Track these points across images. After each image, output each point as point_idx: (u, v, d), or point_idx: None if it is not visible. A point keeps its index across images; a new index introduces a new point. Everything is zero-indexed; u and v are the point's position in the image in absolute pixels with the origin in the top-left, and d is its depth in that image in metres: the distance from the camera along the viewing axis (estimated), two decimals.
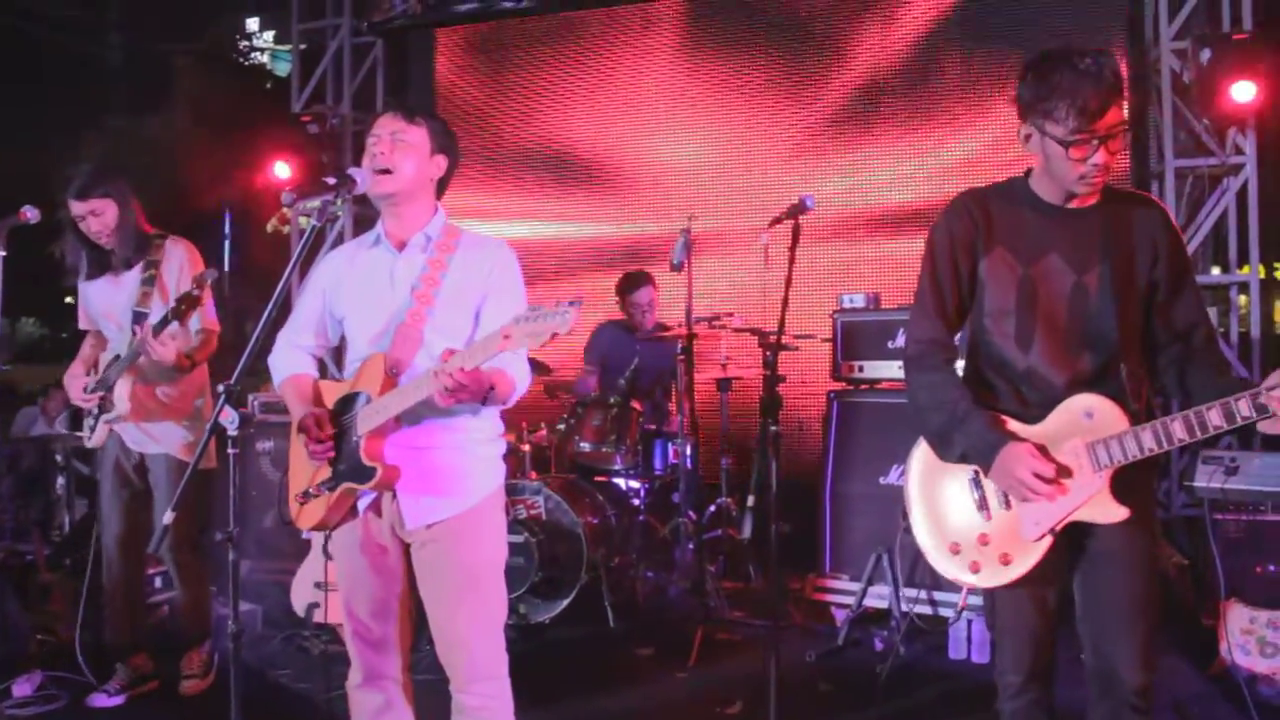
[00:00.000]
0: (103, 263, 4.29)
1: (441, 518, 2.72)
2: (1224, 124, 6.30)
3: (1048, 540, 2.49)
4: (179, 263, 4.29)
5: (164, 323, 3.95)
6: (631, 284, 6.21)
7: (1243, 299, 6.71)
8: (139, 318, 4.17)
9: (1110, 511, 2.44)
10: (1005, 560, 2.53)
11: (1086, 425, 2.46)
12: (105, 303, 4.31)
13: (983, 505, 2.58)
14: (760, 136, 7.19)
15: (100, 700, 4.22)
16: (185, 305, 3.90)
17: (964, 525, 2.60)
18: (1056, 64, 2.40)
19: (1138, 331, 2.55)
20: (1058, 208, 2.55)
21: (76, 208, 4.17)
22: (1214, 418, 2.32)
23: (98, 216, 4.18)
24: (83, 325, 4.46)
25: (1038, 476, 2.40)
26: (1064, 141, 2.41)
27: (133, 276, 4.26)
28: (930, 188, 6.68)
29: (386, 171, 2.72)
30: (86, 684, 4.32)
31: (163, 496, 4.25)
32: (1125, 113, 2.42)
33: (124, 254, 4.25)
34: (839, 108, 7.01)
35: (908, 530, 2.76)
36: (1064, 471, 2.45)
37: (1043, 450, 2.46)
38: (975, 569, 2.58)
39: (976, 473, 2.57)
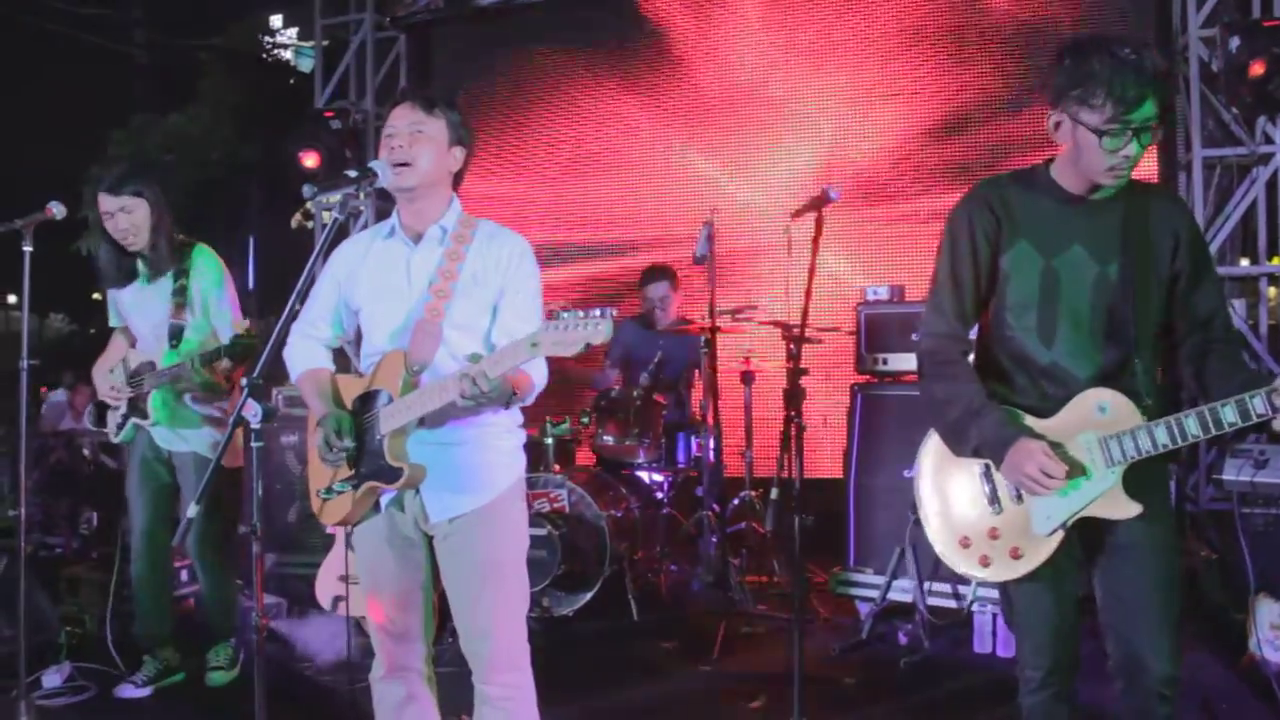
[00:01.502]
0: (130, 269, 4.26)
1: (464, 511, 2.72)
2: (1253, 113, 6.22)
3: (1059, 535, 2.48)
4: (209, 280, 4.26)
5: (216, 356, 3.95)
6: (647, 277, 6.24)
7: (1272, 290, 6.65)
8: (175, 330, 4.17)
9: (1123, 508, 2.43)
10: (1015, 554, 2.53)
11: (1100, 420, 2.45)
12: (138, 309, 4.31)
13: (994, 499, 2.57)
14: (784, 126, 7.15)
15: (128, 691, 4.26)
16: (242, 353, 3.86)
17: (974, 519, 2.60)
18: (1096, 51, 2.36)
19: (1156, 325, 2.53)
20: (1080, 198, 2.52)
21: (106, 203, 4.12)
22: (1229, 414, 2.29)
23: (128, 214, 4.12)
24: (113, 323, 4.49)
25: (1046, 474, 2.39)
26: (1098, 130, 2.37)
27: (163, 285, 4.24)
28: (956, 178, 6.62)
29: (405, 165, 2.71)
30: (115, 675, 4.37)
31: (190, 493, 4.28)
32: (1161, 108, 2.37)
33: (154, 260, 4.21)
34: (864, 97, 6.97)
35: (917, 523, 2.75)
36: (1075, 467, 2.44)
37: (1056, 446, 2.44)
38: (985, 563, 2.57)
39: (988, 466, 2.56)
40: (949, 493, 2.65)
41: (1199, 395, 2.51)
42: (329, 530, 4.81)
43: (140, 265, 4.25)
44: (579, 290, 7.50)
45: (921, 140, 6.81)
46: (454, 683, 2.99)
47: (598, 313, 2.27)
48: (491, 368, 2.42)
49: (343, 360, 3.09)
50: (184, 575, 5.17)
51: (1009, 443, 2.45)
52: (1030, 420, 2.52)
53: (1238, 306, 6.34)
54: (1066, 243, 2.51)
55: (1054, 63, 2.46)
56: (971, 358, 2.65)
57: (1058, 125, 2.47)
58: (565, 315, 2.30)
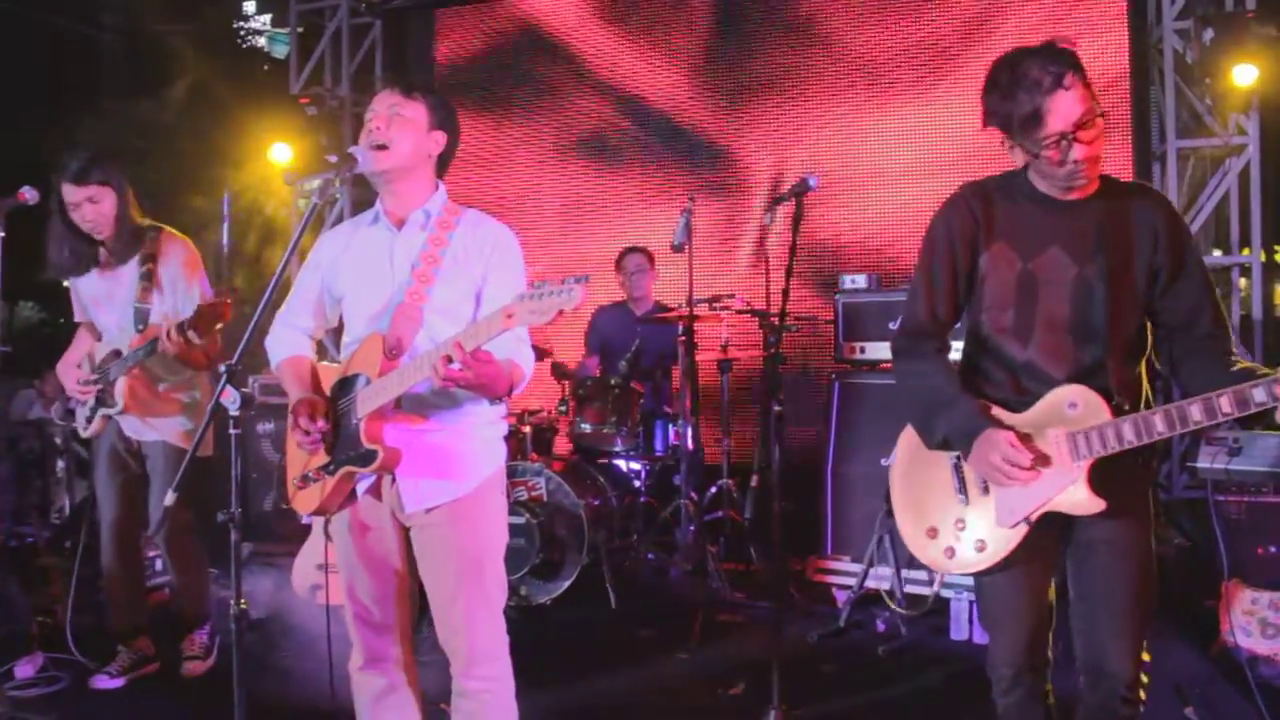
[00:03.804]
0: (89, 256, 4.15)
1: (441, 501, 2.69)
2: (1227, 104, 6.28)
3: (1022, 529, 2.47)
4: (178, 261, 4.17)
5: (181, 329, 3.84)
6: (624, 252, 6.29)
7: (1243, 282, 6.70)
8: (141, 314, 4.08)
9: (1086, 503, 2.42)
10: (980, 547, 2.53)
11: (1070, 416, 2.44)
12: (100, 296, 4.22)
13: (962, 490, 2.57)
14: (762, 115, 7.15)
15: (102, 682, 4.22)
16: (210, 317, 3.78)
17: (942, 509, 2.60)
18: (1003, 79, 2.40)
19: (1134, 325, 2.53)
20: (1057, 200, 2.52)
21: (72, 193, 4.00)
22: (1194, 413, 2.28)
23: (95, 204, 4.02)
24: (77, 318, 4.38)
25: (1011, 463, 2.39)
26: (1036, 152, 2.40)
27: (128, 271, 4.14)
28: (934, 169, 6.64)
29: (383, 147, 2.67)
30: (88, 666, 4.32)
31: (160, 482, 4.22)
32: (1089, 99, 2.36)
33: (117, 247, 4.12)
34: (842, 86, 6.97)
35: (889, 513, 2.76)
36: (1042, 460, 2.43)
37: (1025, 438, 2.44)
38: (950, 554, 2.58)
39: (958, 458, 2.56)
40: (920, 483, 2.66)
41: (1182, 395, 2.52)
42: (304, 521, 4.80)
43: (102, 251, 4.15)
44: (556, 277, 7.46)
45: (902, 131, 6.82)
46: (434, 672, 2.98)
47: (572, 280, 2.26)
48: (468, 340, 2.38)
49: (326, 355, 3.06)
50: (158, 565, 5.13)
51: (976, 433, 2.45)
52: (999, 413, 2.51)
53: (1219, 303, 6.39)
54: (1044, 244, 2.51)
55: (981, 95, 2.49)
56: (954, 356, 2.65)
57: (1011, 148, 2.50)
58: (539, 285, 2.29)
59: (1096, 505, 2.41)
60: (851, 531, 5.04)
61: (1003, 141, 2.50)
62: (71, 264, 4.18)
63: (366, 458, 2.62)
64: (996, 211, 2.56)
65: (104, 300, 4.22)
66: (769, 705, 3.54)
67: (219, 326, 3.99)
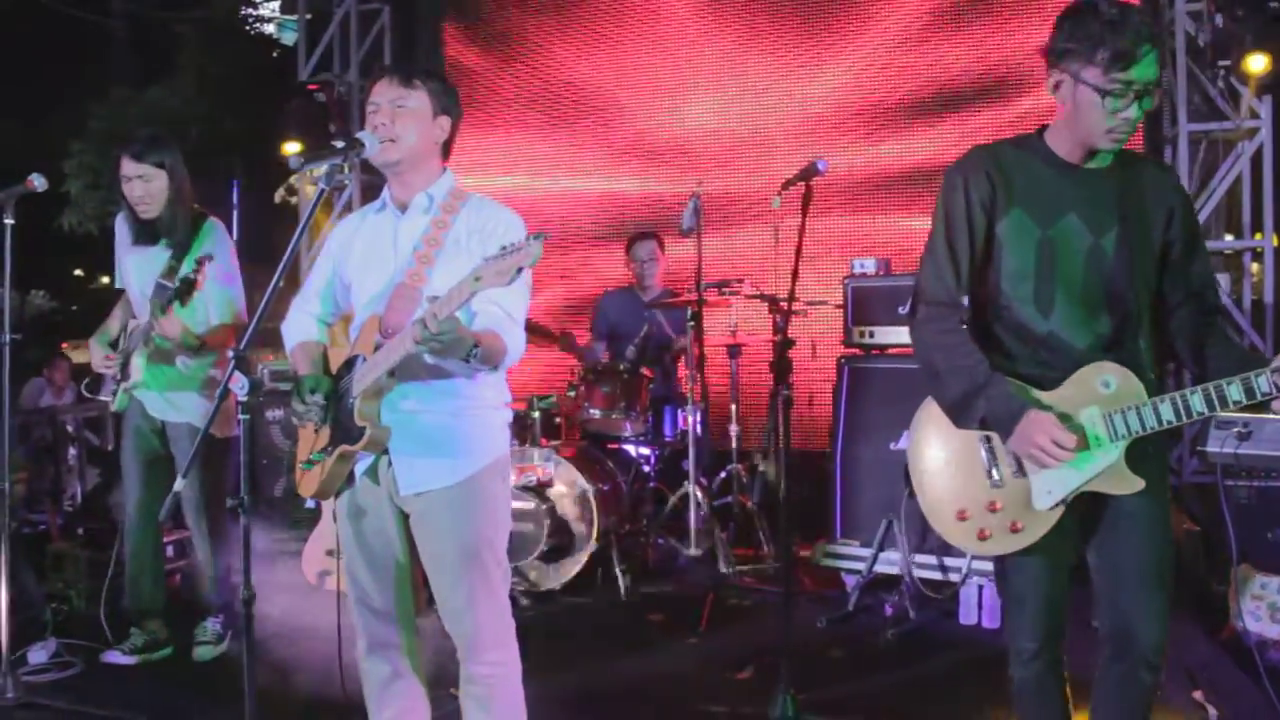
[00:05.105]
0: (146, 233, 4.28)
1: (435, 486, 2.67)
2: (1239, 88, 6.23)
3: (1059, 510, 2.46)
4: (209, 247, 4.22)
5: (168, 302, 3.95)
6: (634, 239, 6.27)
7: (1255, 266, 6.66)
8: (160, 290, 4.15)
9: (1125, 483, 2.41)
10: (1015, 528, 2.50)
11: (1104, 394, 2.42)
12: (138, 271, 4.32)
13: (994, 471, 2.53)
14: (773, 98, 7.13)
15: (114, 656, 4.26)
16: (184, 288, 3.87)
17: (973, 491, 2.56)
18: (1096, 12, 2.34)
19: (1150, 297, 2.52)
20: (1075, 166, 2.49)
21: (127, 167, 4.17)
22: (1234, 392, 2.28)
23: (145, 182, 4.16)
24: (119, 285, 4.49)
25: (1059, 445, 2.36)
26: (1101, 90, 2.34)
27: (168, 251, 4.26)
28: (944, 152, 6.61)
29: (389, 141, 2.67)
30: (101, 650, 4.35)
31: (184, 464, 4.26)
32: (1160, 70, 2.36)
33: (165, 229, 4.23)
34: (853, 70, 6.94)
35: (911, 495, 2.73)
36: (1082, 440, 2.42)
37: (1063, 418, 2.41)
38: (983, 535, 2.54)
39: (989, 438, 2.52)
40: (947, 464, 2.61)
41: (1194, 369, 2.50)
42: (308, 505, 4.81)
43: (156, 229, 4.26)
44: (562, 261, 7.47)
45: (910, 112, 6.79)
46: (442, 657, 2.99)
47: (531, 237, 2.25)
48: (442, 307, 2.35)
49: None
50: (170, 550, 5.14)
51: (1018, 415, 2.41)
52: (1035, 393, 2.48)
53: (1222, 281, 6.37)
54: (1061, 212, 2.48)
55: (1057, 24, 2.43)
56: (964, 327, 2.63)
57: (1058, 85, 2.43)
58: (504, 247, 2.28)
59: (1137, 484, 2.41)
60: (860, 516, 5.03)
61: (1049, 78, 2.45)
62: (129, 233, 4.33)
63: (355, 435, 2.61)
64: (1013, 176, 2.51)
65: (139, 273, 4.31)
66: (777, 689, 3.54)
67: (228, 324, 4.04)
